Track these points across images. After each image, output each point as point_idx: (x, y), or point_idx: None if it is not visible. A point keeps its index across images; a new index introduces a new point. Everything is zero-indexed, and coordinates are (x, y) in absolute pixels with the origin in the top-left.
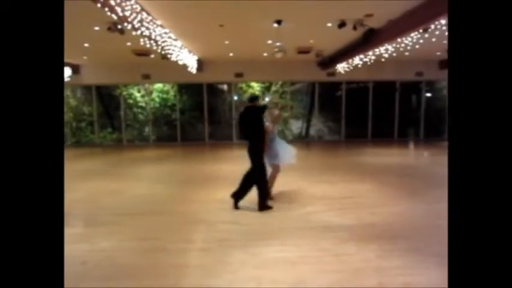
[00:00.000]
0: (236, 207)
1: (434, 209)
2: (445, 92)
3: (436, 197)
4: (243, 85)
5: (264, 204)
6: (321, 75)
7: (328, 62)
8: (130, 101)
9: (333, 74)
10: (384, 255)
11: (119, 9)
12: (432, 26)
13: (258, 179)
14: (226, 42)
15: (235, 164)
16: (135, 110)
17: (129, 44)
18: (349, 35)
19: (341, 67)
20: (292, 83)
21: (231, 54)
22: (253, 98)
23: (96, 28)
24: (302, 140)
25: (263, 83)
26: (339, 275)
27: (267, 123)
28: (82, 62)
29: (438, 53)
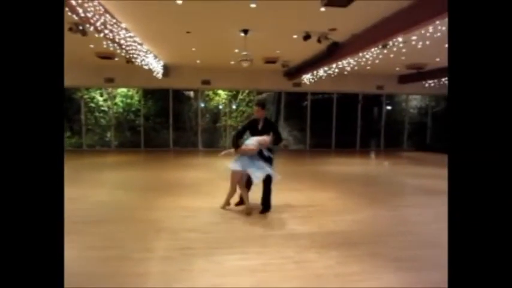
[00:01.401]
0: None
1: (395, 216)
2: (404, 105)
3: (396, 204)
4: (210, 92)
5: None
6: (287, 85)
7: (294, 72)
8: (92, 105)
9: (299, 84)
10: (345, 262)
11: (80, 10)
12: (390, 43)
13: (270, 184)
14: (193, 49)
15: (200, 171)
16: (96, 114)
17: (92, 46)
18: (314, 47)
19: (306, 78)
20: (259, 92)
21: (198, 61)
22: (264, 104)
23: None
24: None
25: (230, 91)
26: (300, 281)
27: (265, 137)
28: None
29: (397, 68)
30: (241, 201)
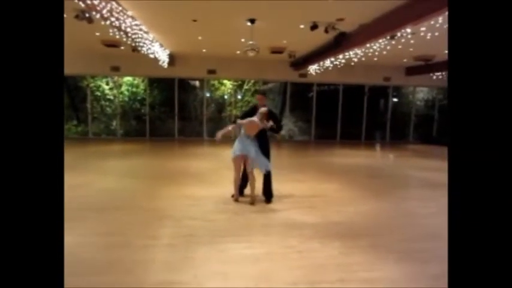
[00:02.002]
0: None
1: (399, 208)
2: (411, 97)
3: (400, 197)
4: (215, 82)
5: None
6: (293, 76)
7: (300, 62)
8: (98, 94)
9: (305, 75)
10: (348, 252)
11: None
12: (398, 34)
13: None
14: (200, 37)
15: (205, 161)
16: (102, 102)
17: (98, 34)
18: (321, 38)
19: (313, 69)
20: (265, 82)
21: (204, 50)
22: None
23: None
24: (272, 139)
25: (235, 80)
26: (302, 270)
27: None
28: None
29: (405, 60)
30: (242, 191)
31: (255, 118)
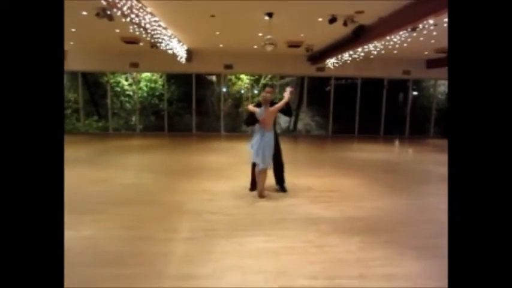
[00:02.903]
0: (284, 190)
1: (417, 205)
2: (432, 90)
3: (419, 193)
4: (232, 77)
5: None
6: (311, 70)
7: (318, 56)
8: (118, 89)
9: (322, 69)
10: (366, 248)
11: None
12: (420, 26)
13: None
14: (217, 32)
15: (222, 156)
16: (122, 98)
17: (117, 31)
18: (339, 31)
19: (330, 62)
20: (282, 77)
21: (221, 45)
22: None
23: (84, 13)
24: (290, 134)
25: (252, 75)
26: (321, 265)
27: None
28: (68, 48)
29: (426, 53)
30: (253, 186)
31: (262, 109)
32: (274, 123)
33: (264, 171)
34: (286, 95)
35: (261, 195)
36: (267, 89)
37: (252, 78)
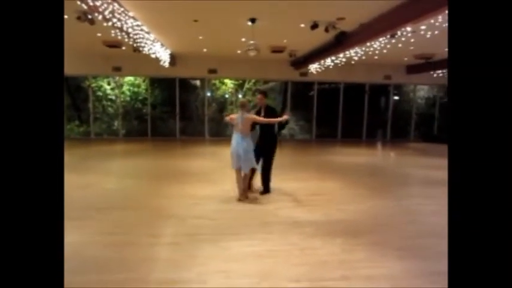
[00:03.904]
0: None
1: (399, 207)
2: (412, 95)
3: (401, 195)
4: (217, 81)
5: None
6: (294, 75)
7: (301, 61)
8: (100, 94)
9: (306, 74)
10: (350, 249)
11: None
12: (399, 32)
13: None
14: (200, 37)
15: (207, 160)
16: (104, 102)
17: (99, 34)
18: (322, 37)
19: (313, 67)
20: (266, 82)
21: (204, 50)
22: (266, 93)
23: (65, 17)
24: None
25: (236, 80)
26: (305, 268)
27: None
28: None
29: (405, 58)
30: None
31: (245, 115)
32: (271, 128)
33: (246, 174)
34: (284, 117)
35: (245, 196)
36: (258, 95)
37: (236, 82)
